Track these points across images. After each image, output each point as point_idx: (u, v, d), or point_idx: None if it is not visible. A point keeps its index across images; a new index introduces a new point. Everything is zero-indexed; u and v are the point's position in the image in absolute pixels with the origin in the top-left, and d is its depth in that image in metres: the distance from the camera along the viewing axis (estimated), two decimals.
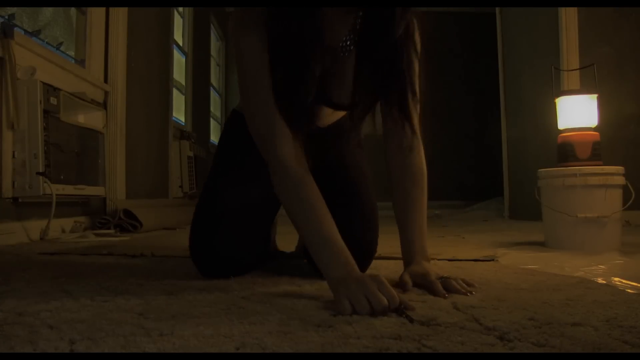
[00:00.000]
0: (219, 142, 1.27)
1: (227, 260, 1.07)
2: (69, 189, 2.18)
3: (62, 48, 2.49)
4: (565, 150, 1.66)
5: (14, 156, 1.93)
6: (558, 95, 1.77)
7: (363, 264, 1.04)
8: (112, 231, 2.42)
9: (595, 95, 1.72)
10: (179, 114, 4.53)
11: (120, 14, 2.83)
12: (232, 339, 0.61)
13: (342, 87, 1.04)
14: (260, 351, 0.57)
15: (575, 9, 3.01)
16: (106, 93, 2.75)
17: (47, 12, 2.42)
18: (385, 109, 1.04)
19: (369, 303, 0.73)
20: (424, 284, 0.92)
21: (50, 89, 2.04)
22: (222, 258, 1.07)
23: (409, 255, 1.00)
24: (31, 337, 0.61)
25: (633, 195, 1.57)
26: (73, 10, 2.65)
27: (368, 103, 1.02)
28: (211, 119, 5.59)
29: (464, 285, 0.91)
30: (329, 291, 0.87)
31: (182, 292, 0.91)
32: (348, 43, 1.00)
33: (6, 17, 2.02)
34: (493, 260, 1.37)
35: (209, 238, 1.07)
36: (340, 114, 1.23)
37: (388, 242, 1.86)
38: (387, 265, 1.25)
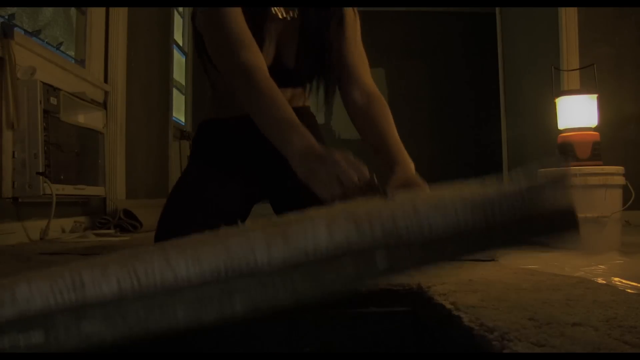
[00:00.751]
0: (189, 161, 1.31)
1: None
2: (69, 189, 2.18)
3: (62, 48, 2.49)
4: (565, 150, 1.65)
5: (14, 156, 1.93)
6: (558, 95, 1.77)
7: None
8: (112, 231, 2.42)
9: (595, 95, 1.72)
10: (179, 114, 4.53)
11: (120, 14, 2.83)
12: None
13: (288, 56, 1.13)
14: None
15: (575, 9, 3.01)
16: (106, 93, 2.75)
17: (47, 12, 2.42)
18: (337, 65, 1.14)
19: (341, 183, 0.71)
20: None
21: (50, 89, 2.04)
22: None
23: (391, 158, 0.98)
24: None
25: (633, 195, 1.57)
26: (73, 10, 2.65)
27: (314, 67, 1.12)
28: None
29: None
30: None
31: None
32: (291, 14, 1.12)
33: (6, 17, 2.02)
34: (493, 260, 1.37)
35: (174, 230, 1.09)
36: (294, 101, 1.24)
37: None
38: None
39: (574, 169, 1.59)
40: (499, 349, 0.58)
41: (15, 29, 1.90)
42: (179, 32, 4.51)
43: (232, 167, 1.17)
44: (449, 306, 0.79)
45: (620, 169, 1.59)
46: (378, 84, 1.15)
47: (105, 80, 2.77)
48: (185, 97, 4.67)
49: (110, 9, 2.79)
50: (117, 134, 2.78)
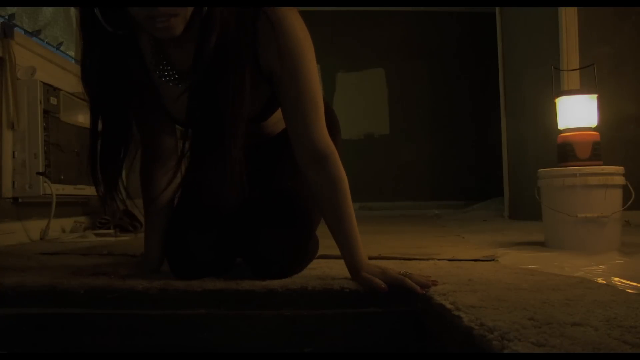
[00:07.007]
0: None
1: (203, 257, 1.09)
2: (69, 189, 2.18)
3: (62, 48, 2.49)
4: (565, 150, 1.65)
5: (14, 156, 1.93)
6: (558, 95, 1.77)
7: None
8: (112, 231, 2.42)
9: (595, 95, 1.72)
10: None
11: None
12: None
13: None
14: None
15: (575, 9, 3.00)
16: None
17: (47, 12, 2.42)
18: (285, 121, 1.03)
19: None
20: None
21: (50, 89, 2.04)
22: (197, 259, 1.09)
23: (353, 266, 1.02)
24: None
25: (633, 195, 1.57)
26: (73, 10, 2.65)
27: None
28: None
29: (425, 277, 0.97)
30: None
31: None
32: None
33: (6, 17, 2.02)
34: (493, 260, 1.37)
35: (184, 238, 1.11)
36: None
37: (387, 243, 1.85)
38: (386, 265, 1.25)
39: (574, 169, 1.59)
40: (499, 349, 0.58)
41: (15, 29, 1.91)
42: None
43: None
44: (449, 306, 0.79)
45: (620, 169, 1.59)
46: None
47: None
48: None
49: None
50: None
